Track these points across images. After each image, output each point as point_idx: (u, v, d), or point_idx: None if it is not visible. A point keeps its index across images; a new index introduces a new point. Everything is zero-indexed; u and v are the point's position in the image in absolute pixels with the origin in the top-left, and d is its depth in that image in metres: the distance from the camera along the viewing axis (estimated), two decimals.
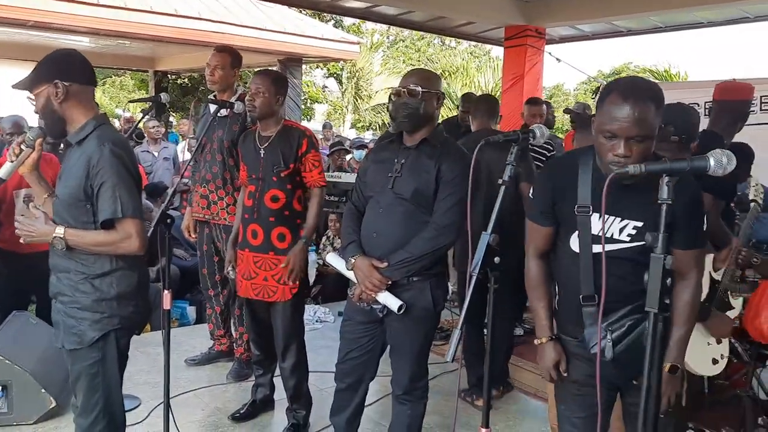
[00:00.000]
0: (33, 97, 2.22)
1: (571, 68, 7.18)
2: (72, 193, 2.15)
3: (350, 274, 2.57)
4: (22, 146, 2.25)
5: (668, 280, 1.46)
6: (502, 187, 1.83)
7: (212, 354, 4.21)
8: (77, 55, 2.27)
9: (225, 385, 3.90)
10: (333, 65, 17.87)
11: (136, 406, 3.50)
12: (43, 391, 3.29)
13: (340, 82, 19.81)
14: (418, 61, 21.73)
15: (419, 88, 2.48)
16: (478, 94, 4.23)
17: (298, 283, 3.11)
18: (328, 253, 2.87)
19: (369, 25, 20.34)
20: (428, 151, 2.53)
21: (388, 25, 14.20)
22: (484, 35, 7.37)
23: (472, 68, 17.74)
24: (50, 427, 3.31)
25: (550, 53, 6.76)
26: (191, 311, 5.82)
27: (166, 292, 2.91)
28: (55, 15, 7.28)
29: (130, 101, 4.07)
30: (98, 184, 2.11)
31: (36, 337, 3.66)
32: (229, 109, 3.62)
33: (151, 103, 3.46)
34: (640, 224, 1.84)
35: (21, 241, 2.21)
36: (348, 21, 18.04)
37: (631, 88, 1.76)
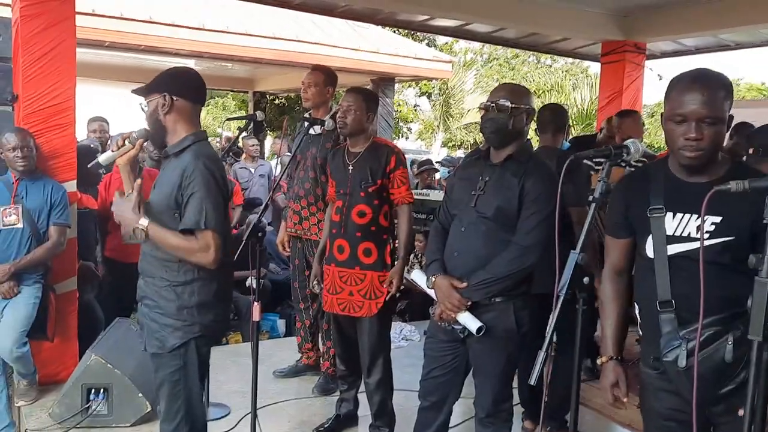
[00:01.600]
0: (145, 104, 2.37)
1: None
2: (164, 201, 2.26)
3: (432, 293, 2.55)
4: (127, 141, 2.41)
5: None
6: (593, 205, 1.76)
7: (299, 367, 4.27)
8: (194, 74, 2.44)
9: (311, 399, 3.95)
10: (425, 84, 17.96)
11: (226, 415, 3.59)
12: (140, 395, 3.44)
13: (432, 101, 19.89)
14: (512, 79, 21.46)
15: (508, 103, 2.44)
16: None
17: (384, 299, 3.11)
18: (413, 270, 2.86)
19: (462, 44, 20.36)
20: (513, 167, 2.48)
21: (480, 42, 14.14)
22: (580, 51, 7.18)
23: (568, 86, 17.35)
24: (145, 430, 3.45)
25: (650, 69, 6.49)
26: (281, 324, 5.96)
27: (256, 304, 2.99)
28: (163, 39, 7.72)
29: (227, 119, 4.26)
30: (188, 194, 2.20)
31: (136, 343, 3.83)
32: (322, 127, 3.71)
33: (247, 121, 3.59)
34: (718, 219, 1.75)
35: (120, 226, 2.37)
36: (441, 40, 18.10)
37: (700, 74, 1.79)
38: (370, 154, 3.19)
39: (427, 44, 16.52)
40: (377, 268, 3.12)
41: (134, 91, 2.42)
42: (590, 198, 1.74)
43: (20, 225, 3.53)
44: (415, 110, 20.49)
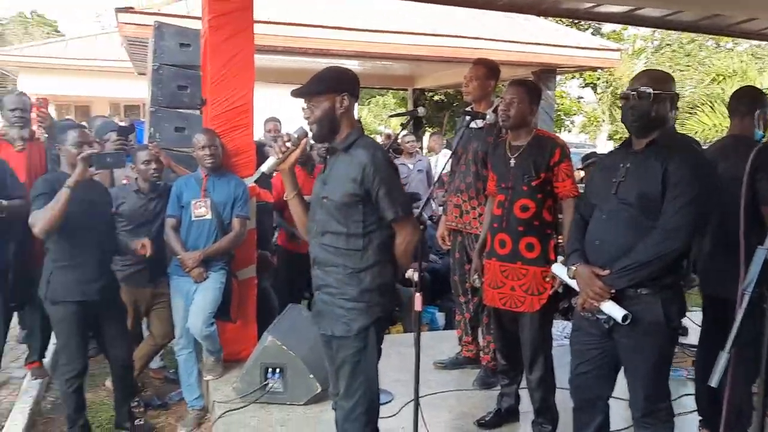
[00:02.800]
0: (307, 106, 2.49)
1: None
2: (346, 193, 2.40)
3: (573, 283, 2.52)
4: (288, 144, 2.53)
5: None
6: None
7: (459, 359, 4.31)
8: (353, 72, 2.57)
9: (471, 391, 3.97)
10: (589, 75, 17.22)
11: (390, 400, 3.71)
12: (311, 376, 3.67)
13: (597, 92, 19.01)
14: (687, 66, 19.94)
15: (650, 90, 2.35)
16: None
17: (546, 295, 3.06)
18: (554, 263, 2.84)
19: (631, 31, 19.26)
20: (655, 152, 2.37)
21: (652, 28, 13.29)
22: None
23: (753, 71, 15.79)
24: (317, 410, 3.67)
25: None
26: (440, 317, 6.03)
27: (417, 294, 3.06)
28: (329, 42, 8.11)
29: (390, 115, 4.42)
30: (376, 189, 2.37)
31: (307, 328, 4.07)
32: (484, 121, 3.71)
33: (408, 118, 3.69)
34: None
35: None
36: (607, 28, 17.26)
37: None
38: (532, 147, 3.15)
39: (592, 33, 15.84)
40: (540, 263, 3.07)
41: (296, 94, 2.52)
42: None
43: (209, 217, 3.89)
44: (579, 102, 19.71)
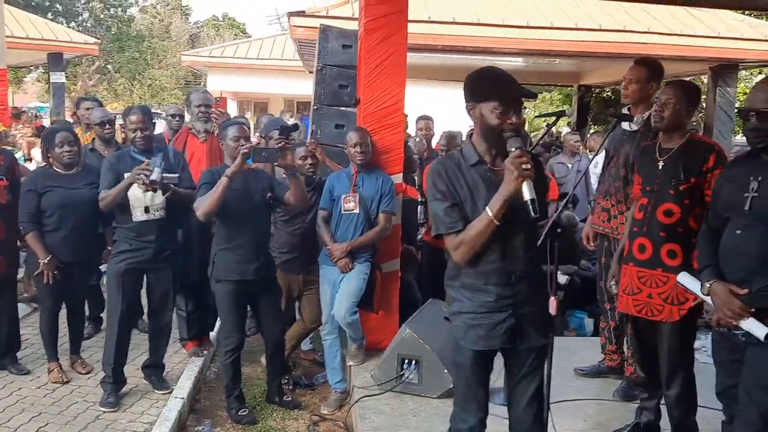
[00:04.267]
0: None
1: None
2: None
3: (707, 299, 2.42)
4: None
5: None
6: None
7: (602, 368, 4.18)
8: None
9: (611, 402, 3.84)
10: None
11: None
12: (445, 371, 3.74)
13: None
14: None
15: (761, 108, 2.23)
16: None
17: (688, 305, 2.90)
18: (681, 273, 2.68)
19: None
20: None
21: None
22: None
23: None
24: (449, 404, 3.70)
25: None
26: (589, 323, 5.84)
27: (552, 298, 3.03)
28: (491, 40, 8.11)
29: (537, 116, 4.36)
30: None
31: (445, 323, 4.17)
32: (638, 124, 3.58)
33: (556, 117, 3.63)
34: None
35: None
36: None
37: None
38: (685, 150, 2.99)
39: None
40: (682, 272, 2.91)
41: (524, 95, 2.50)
42: None
43: (357, 211, 4.10)
44: None
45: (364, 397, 3.82)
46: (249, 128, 4.49)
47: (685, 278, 2.65)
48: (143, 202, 3.89)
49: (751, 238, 2.33)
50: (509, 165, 2.18)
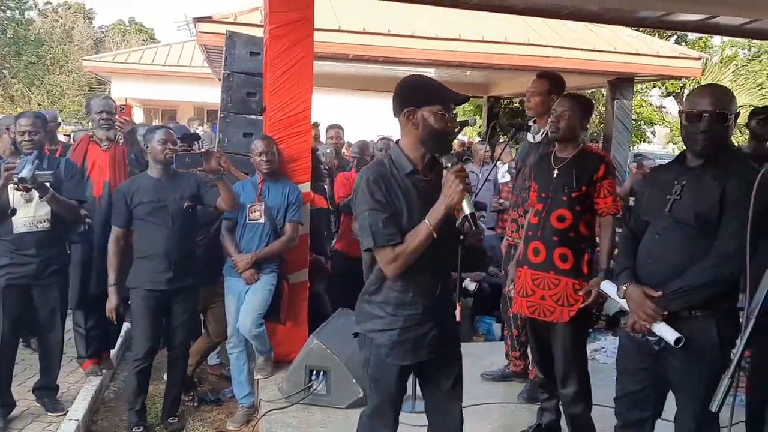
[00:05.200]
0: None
1: None
2: None
3: (624, 302, 2.44)
4: None
5: None
6: None
7: (506, 373, 4.27)
8: None
9: (516, 405, 3.93)
10: (672, 84, 16.56)
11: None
12: (354, 381, 3.72)
13: (680, 102, 18.24)
14: None
15: (727, 112, 2.26)
16: None
17: (577, 307, 3.00)
18: (602, 280, 2.76)
19: (721, 38, 18.35)
20: (713, 170, 2.27)
21: (730, 37, 12.69)
22: None
23: None
24: (358, 414, 3.69)
25: None
26: (497, 328, 5.98)
27: (458, 304, 3.09)
28: (401, 50, 8.18)
29: None
30: None
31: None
32: (543, 136, 3.69)
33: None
34: None
35: None
36: (693, 35, 16.53)
37: None
38: (578, 160, 3.11)
39: (677, 40, 15.24)
40: (572, 275, 3.03)
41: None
42: None
43: (262, 221, 4.02)
44: (660, 112, 18.98)
45: (271, 410, 3.74)
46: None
47: (606, 285, 2.67)
48: (27, 212, 3.69)
49: (669, 241, 2.36)
50: (452, 178, 2.14)
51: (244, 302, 3.97)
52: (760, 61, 20.25)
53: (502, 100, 14.22)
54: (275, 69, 4.25)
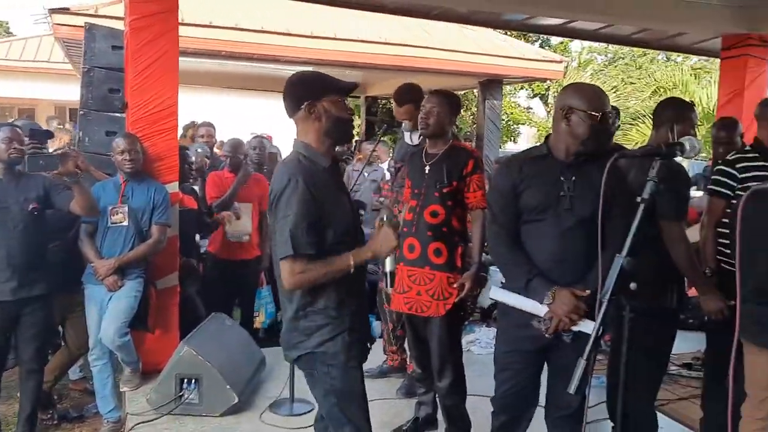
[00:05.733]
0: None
1: None
2: None
3: (541, 309, 2.36)
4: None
5: None
6: (641, 206, 1.63)
7: (384, 369, 4.30)
8: None
9: (394, 400, 3.95)
10: (538, 86, 17.50)
11: (311, 410, 3.65)
12: (228, 387, 3.59)
13: (546, 103, 19.30)
14: (639, 78, 20.40)
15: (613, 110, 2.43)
16: None
17: (452, 300, 3.06)
18: (492, 287, 2.69)
19: (581, 43, 19.62)
20: (596, 165, 2.29)
21: (587, 41, 13.60)
22: (700, 47, 6.68)
23: (692, 83, 16.28)
24: (233, 421, 3.59)
25: None
26: (377, 325, 5.99)
27: None
28: (276, 48, 8.05)
29: None
30: None
31: (228, 337, 4.02)
32: (420, 139, 3.73)
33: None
34: None
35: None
36: (556, 39, 17.56)
37: None
38: (448, 156, 3.17)
39: (541, 45, 16.08)
40: (447, 269, 3.08)
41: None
42: (638, 199, 1.63)
43: (125, 223, 3.79)
44: (528, 112, 20.01)
45: (139, 423, 3.53)
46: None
47: (499, 293, 2.53)
48: None
49: (575, 240, 2.35)
50: (390, 233, 2.19)
51: (107, 311, 3.72)
52: (616, 66, 21.87)
53: (379, 100, 14.39)
54: (137, 63, 4.02)
